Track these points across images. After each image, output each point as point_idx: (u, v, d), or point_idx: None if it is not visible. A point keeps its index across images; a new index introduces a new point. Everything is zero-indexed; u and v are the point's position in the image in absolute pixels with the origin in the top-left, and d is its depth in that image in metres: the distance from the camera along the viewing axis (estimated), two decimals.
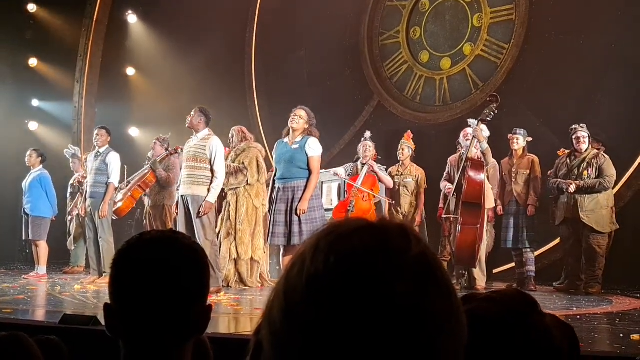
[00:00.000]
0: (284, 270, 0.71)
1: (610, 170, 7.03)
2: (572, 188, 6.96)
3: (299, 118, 6.30)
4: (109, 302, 1.34)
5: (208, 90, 10.85)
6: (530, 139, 7.56)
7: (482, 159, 7.15)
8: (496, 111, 7.07)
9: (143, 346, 1.29)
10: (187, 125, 6.83)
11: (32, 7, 12.18)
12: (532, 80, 9.03)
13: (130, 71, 12.59)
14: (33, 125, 12.26)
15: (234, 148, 7.67)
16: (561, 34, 8.85)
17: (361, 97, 10.94)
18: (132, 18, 12.47)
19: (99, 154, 8.05)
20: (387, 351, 0.64)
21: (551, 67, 8.82)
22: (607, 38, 8.39)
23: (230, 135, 7.82)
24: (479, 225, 6.89)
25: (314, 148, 6.24)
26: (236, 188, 7.34)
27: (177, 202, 6.96)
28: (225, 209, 7.50)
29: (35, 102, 12.53)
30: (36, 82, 12.34)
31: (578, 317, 5.05)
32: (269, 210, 6.48)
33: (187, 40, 11.32)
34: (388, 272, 0.65)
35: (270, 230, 6.27)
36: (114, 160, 8.01)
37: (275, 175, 6.44)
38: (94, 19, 12.53)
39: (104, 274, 7.64)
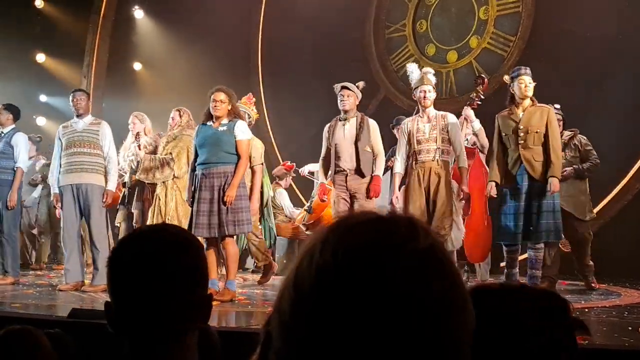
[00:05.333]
0: (294, 262, 0.73)
1: (594, 152, 6.58)
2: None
3: (221, 103, 5.60)
4: (109, 300, 1.36)
5: (214, 84, 10.80)
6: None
7: (476, 143, 6.69)
8: (483, 95, 6.66)
9: (145, 340, 1.31)
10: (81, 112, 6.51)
11: (39, 3, 12.20)
12: (539, 72, 8.94)
13: (137, 66, 12.62)
14: (41, 121, 12.31)
15: (168, 133, 7.06)
16: (568, 26, 8.80)
17: (367, 90, 10.89)
18: (138, 13, 12.48)
19: (2, 134, 7.15)
20: (389, 343, 0.65)
21: (558, 59, 8.78)
22: (614, 29, 8.35)
23: (171, 116, 7.12)
24: (466, 217, 6.41)
25: (244, 131, 5.62)
26: (164, 182, 6.79)
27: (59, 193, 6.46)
28: (155, 203, 6.90)
29: (43, 98, 12.59)
30: (44, 77, 12.38)
31: (586, 310, 5.04)
32: (190, 201, 5.70)
33: (193, 34, 11.32)
34: (393, 266, 0.66)
35: (194, 221, 5.51)
36: (21, 141, 7.13)
37: (195, 161, 5.68)
38: (101, 14, 12.55)
39: (6, 274, 6.89)
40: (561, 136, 6.43)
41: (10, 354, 1.93)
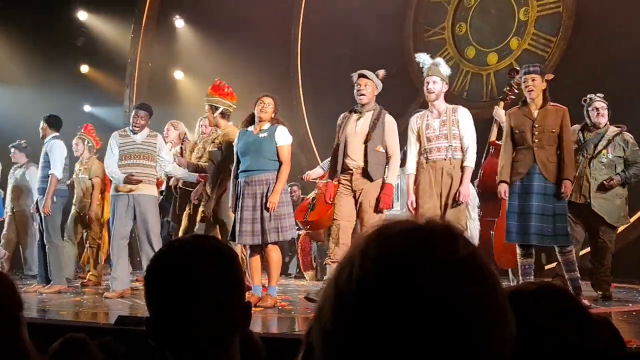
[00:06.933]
0: (333, 273, 0.74)
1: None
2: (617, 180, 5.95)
3: (268, 105, 5.66)
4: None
5: (254, 90, 10.87)
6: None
7: None
8: (517, 89, 6.20)
9: (187, 351, 1.33)
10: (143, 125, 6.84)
11: (83, 15, 12.48)
12: (581, 73, 8.83)
13: (179, 74, 12.79)
14: None
15: (204, 138, 7.07)
16: (611, 25, 8.62)
17: (406, 94, 10.87)
18: (179, 22, 12.67)
19: (43, 145, 7.17)
20: (429, 350, 0.65)
21: (601, 59, 8.60)
22: None
23: (202, 124, 7.25)
24: (497, 218, 6.04)
25: (285, 137, 5.61)
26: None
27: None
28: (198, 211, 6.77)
29: (87, 108, 12.85)
30: (87, 88, 12.65)
31: (634, 312, 4.94)
32: (233, 208, 5.72)
33: (233, 42, 11.42)
34: (431, 275, 0.67)
35: (237, 229, 5.51)
36: (55, 147, 6.95)
37: (237, 168, 5.70)
38: (142, 25, 12.77)
39: (50, 282, 6.91)
40: (606, 130, 6.17)
41: None
